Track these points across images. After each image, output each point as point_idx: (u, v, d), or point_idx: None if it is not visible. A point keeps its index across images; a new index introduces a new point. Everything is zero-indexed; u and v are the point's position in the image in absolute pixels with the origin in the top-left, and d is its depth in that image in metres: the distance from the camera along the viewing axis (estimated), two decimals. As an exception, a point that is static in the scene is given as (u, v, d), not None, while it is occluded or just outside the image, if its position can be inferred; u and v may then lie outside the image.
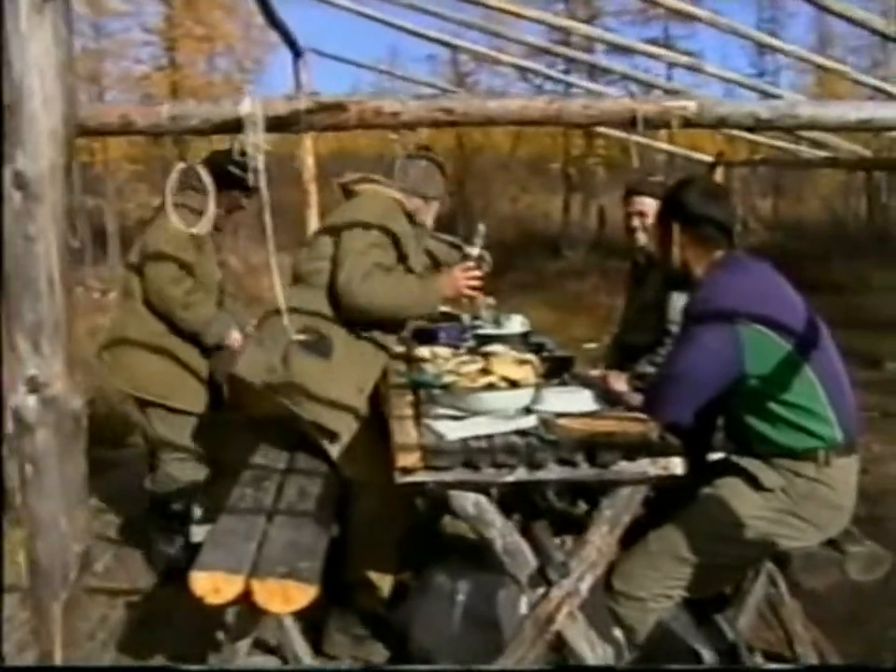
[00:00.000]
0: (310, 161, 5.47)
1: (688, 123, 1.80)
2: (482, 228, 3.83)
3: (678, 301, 3.79)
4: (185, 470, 4.42)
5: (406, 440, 2.79)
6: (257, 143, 1.61)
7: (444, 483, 2.71)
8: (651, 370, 4.22)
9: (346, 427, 3.56)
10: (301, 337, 3.44)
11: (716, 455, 3.29)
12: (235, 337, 4.41)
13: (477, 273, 3.75)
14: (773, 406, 2.82)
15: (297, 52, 5.21)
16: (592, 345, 10.46)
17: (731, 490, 2.93)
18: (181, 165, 1.91)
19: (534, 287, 15.31)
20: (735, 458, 2.97)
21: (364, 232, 3.58)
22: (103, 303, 10.87)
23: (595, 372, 4.46)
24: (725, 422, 3.11)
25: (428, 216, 3.95)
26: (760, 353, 2.76)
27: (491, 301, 5.01)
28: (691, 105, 1.79)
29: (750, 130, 1.90)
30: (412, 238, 3.77)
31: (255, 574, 2.81)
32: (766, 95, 3.89)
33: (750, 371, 2.78)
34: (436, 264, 4.28)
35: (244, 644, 3.05)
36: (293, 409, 3.50)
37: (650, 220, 4.40)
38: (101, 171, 17.72)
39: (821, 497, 2.85)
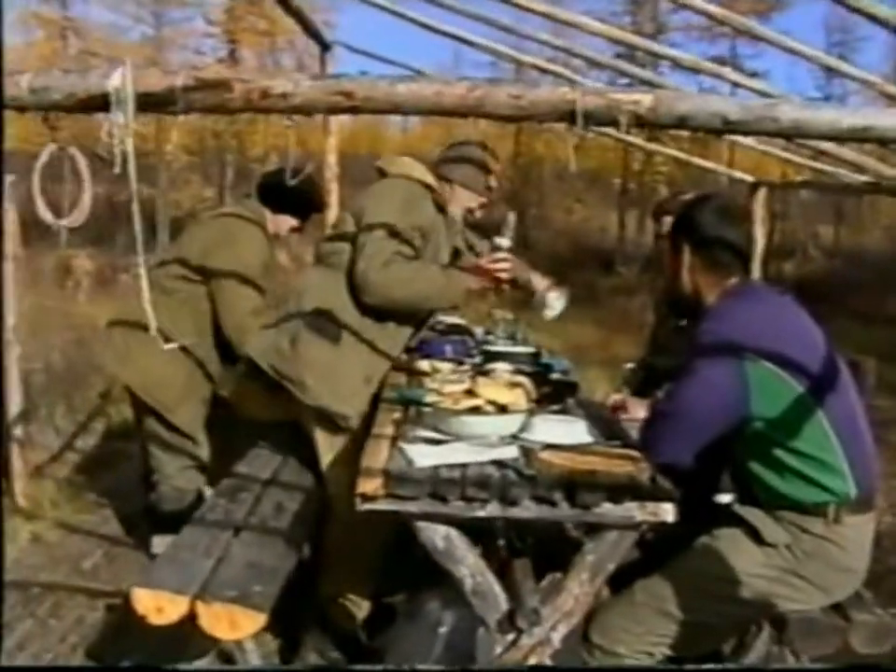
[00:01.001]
0: (332, 160, 5.28)
1: (639, 121, 1.55)
2: (511, 217, 3.55)
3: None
4: (189, 479, 4.23)
5: (372, 463, 2.57)
6: (125, 123, 1.40)
7: (408, 513, 2.49)
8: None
9: (354, 411, 3.39)
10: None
11: (724, 498, 3.04)
12: None
13: (505, 265, 3.47)
14: (779, 453, 2.55)
15: (324, 46, 5.03)
16: (632, 365, 10.21)
17: (729, 542, 2.67)
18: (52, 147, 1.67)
19: (584, 301, 14.95)
20: (736, 508, 2.71)
21: (387, 217, 3.38)
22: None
23: (615, 397, 4.24)
24: (731, 465, 2.85)
25: (456, 205, 3.70)
26: (768, 393, 2.50)
27: (509, 315, 4.80)
28: (644, 100, 1.53)
29: (718, 132, 1.58)
30: (440, 226, 3.58)
31: (202, 596, 2.62)
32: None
33: (756, 412, 2.51)
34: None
35: (207, 659, 2.87)
36: (297, 395, 3.33)
37: None
38: (155, 160, 17.78)
39: (829, 557, 2.58)
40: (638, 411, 4.06)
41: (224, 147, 18.18)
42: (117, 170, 1.48)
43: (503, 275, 3.47)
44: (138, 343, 4.05)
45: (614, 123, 1.53)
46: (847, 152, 3.97)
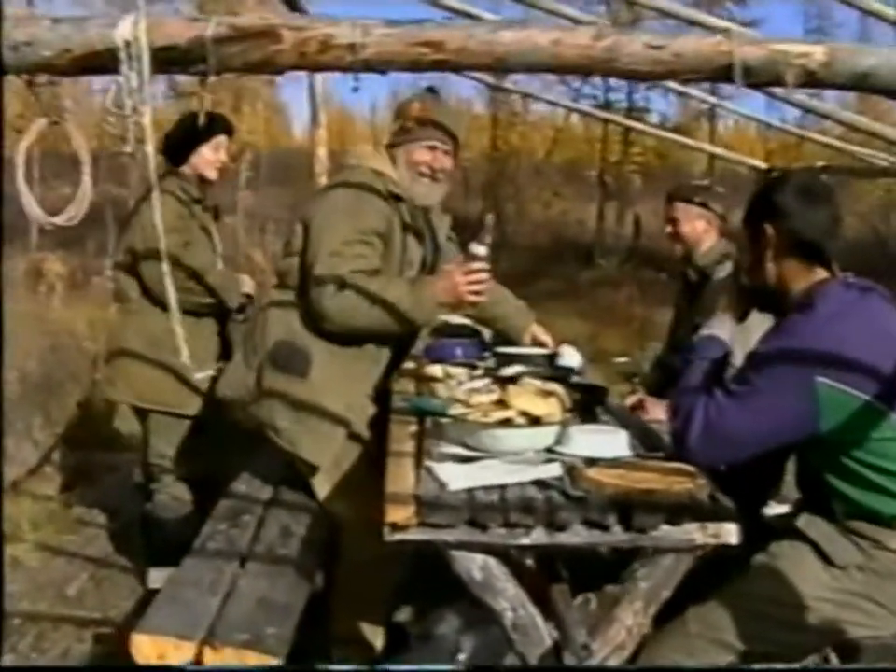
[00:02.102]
0: (322, 153, 4.97)
1: (810, 79, 1.25)
2: (489, 220, 3.05)
3: (760, 324, 3.27)
4: (177, 493, 3.96)
5: (399, 487, 2.29)
6: (140, 87, 1.10)
7: (443, 543, 2.21)
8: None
9: (328, 458, 3.02)
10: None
11: (778, 509, 2.78)
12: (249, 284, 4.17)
13: (482, 275, 2.99)
14: (855, 466, 2.30)
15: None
16: (623, 360, 9.98)
17: (792, 563, 2.40)
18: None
19: (565, 295, 14.78)
20: (800, 523, 2.44)
21: (337, 224, 3.00)
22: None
23: (631, 399, 3.99)
24: (798, 472, 2.59)
25: (409, 168, 3.20)
26: (840, 413, 2.23)
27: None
28: (815, 52, 1.24)
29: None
30: (401, 218, 3.15)
31: (210, 640, 2.33)
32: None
33: (827, 430, 2.26)
34: None
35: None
36: (273, 438, 3.01)
37: (683, 227, 3.94)
38: (126, 160, 17.37)
39: None
40: (658, 412, 3.83)
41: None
42: (128, 148, 1.18)
43: (479, 287, 3.00)
44: (119, 363, 3.94)
45: (777, 81, 1.24)
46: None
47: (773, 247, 2.44)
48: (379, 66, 1.19)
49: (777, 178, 2.60)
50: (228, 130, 4.07)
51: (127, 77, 1.10)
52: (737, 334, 2.89)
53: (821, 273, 2.42)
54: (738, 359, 2.63)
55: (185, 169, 3.93)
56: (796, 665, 2.52)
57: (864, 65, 1.26)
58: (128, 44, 1.09)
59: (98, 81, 17.10)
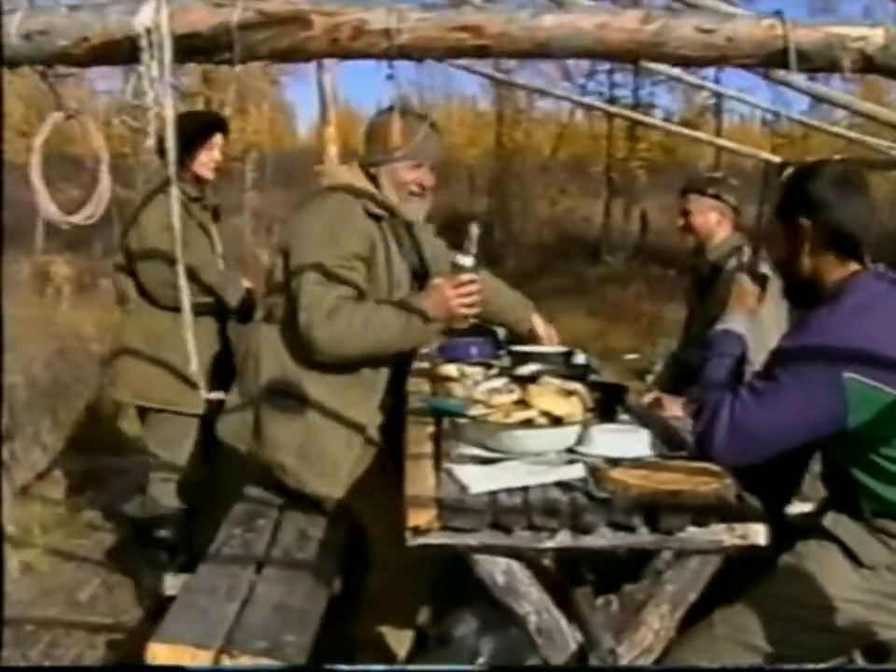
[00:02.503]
0: (332, 151, 4.91)
1: (868, 64, 1.18)
2: (474, 230, 2.96)
3: (773, 316, 3.23)
4: (169, 495, 3.95)
5: (419, 490, 2.24)
6: (162, 77, 1.05)
7: (467, 546, 2.16)
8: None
9: (335, 489, 3.00)
10: None
11: (801, 507, 2.73)
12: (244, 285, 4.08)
13: (472, 288, 2.94)
14: (884, 463, 2.25)
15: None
16: (634, 356, 9.93)
17: (819, 563, 2.35)
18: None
19: (573, 292, 14.72)
20: (827, 522, 2.39)
21: (318, 252, 2.92)
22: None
23: (648, 397, 3.94)
24: (824, 469, 2.54)
25: (395, 189, 3.14)
26: (868, 409, 2.18)
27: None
28: (874, 35, 1.17)
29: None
30: (384, 237, 3.09)
31: (227, 648, 2.28)
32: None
33: (855, 426, 2.20)
34: None
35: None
36: (280, 477, 3.03)
37: (696, 219, 3.89)
38: (132, 162, 17.34)
39: None
40: (675, 408, 3.78)
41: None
42: (150, 142, 1.13)
43: (471, 300, 2.95)
44: (120, 363, 3.97)
45: (833, 66, 1.18)
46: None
47: (809, 241, 2.38)
48: (415, 53, 1.13)
49: (808, 170, 2.53)
50: (223, 129, 4.04)
51: (148, 66, 1.04)
52: (750, 326, 2.87)
53: (854, 266, 2.37)
54: (753, 352, 2.58)
55: (181, 170, 3.80)
56: (822, 666, 2.47)
57: (927, 49, 1.19)
58: (149, 31, 1.03)
59: (102, 83, 17.04)
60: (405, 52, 1.10)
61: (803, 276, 2.43)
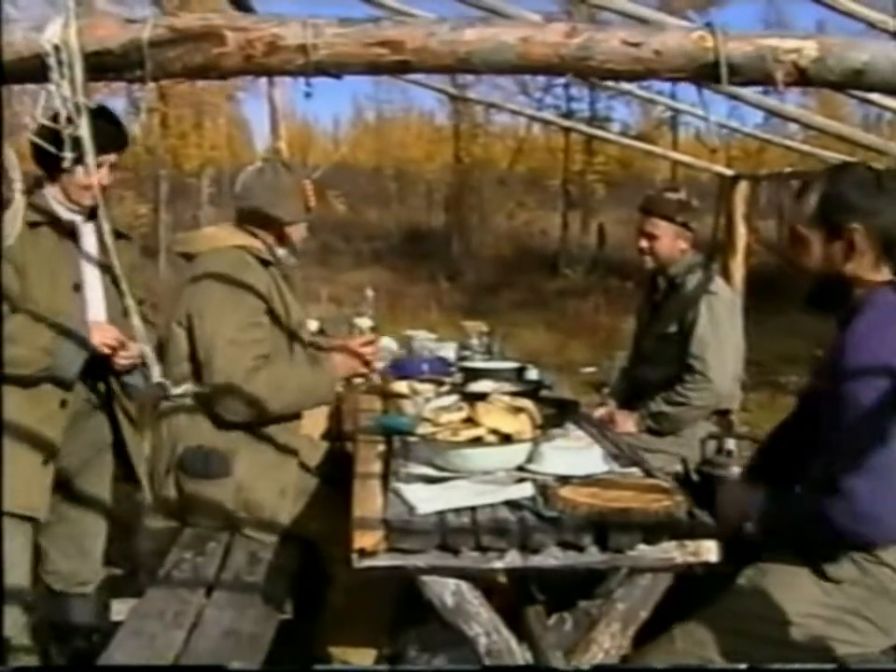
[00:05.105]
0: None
1: (801, 76, 1.16)
2: (369, 294, 3.31)
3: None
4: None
5: (367, 511, 2.21)
6: (72, 95, 1.00)
7: (415, 568, 2.14)
8: (667, 409, 3.67)
9: (281, 523, 3.00)
10: None
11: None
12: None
13: (371, 348, 3.24)
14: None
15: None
16: (591, 369, 9.97)
17: (780, 577, 2.31)
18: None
19: (531, 306, 14.77)
20: None
21: (224, 314, 2.90)
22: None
23: (600, 412, 3.93)
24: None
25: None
26: None
27: (483, 326, 4.48)
28: (807, 48, 1.14)
29: (901, 92, 1.18)
30: (277, 286, 3.08)
31: (175, 677, 2.24)
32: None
33: None
34: None
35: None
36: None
37: (661, 244, 3.81)
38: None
39: None
40: (628, 424, 3.78)
41: (158, 162, 17.54)
42: (66, 164, 1.09)
43: (371, 358, 3.24)
44: None
45: (767, 80, 1.16)
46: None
47: (852, 247, 2.31)
48: (333, 69, 1.11)
49: (837, 175, 2.45)
50: (119, 145, 3.00)
51: (58, 84, 1.01)
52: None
53: (886, 274, 2.33)
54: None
55: (50, 188, 2.97)
56: (809, 666, 2.45)
57: (859, 61, 1.18)
58: (57, 49, 1.00)
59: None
60: (322, 68, 1.07)
61: (841, 281, 2.35)
